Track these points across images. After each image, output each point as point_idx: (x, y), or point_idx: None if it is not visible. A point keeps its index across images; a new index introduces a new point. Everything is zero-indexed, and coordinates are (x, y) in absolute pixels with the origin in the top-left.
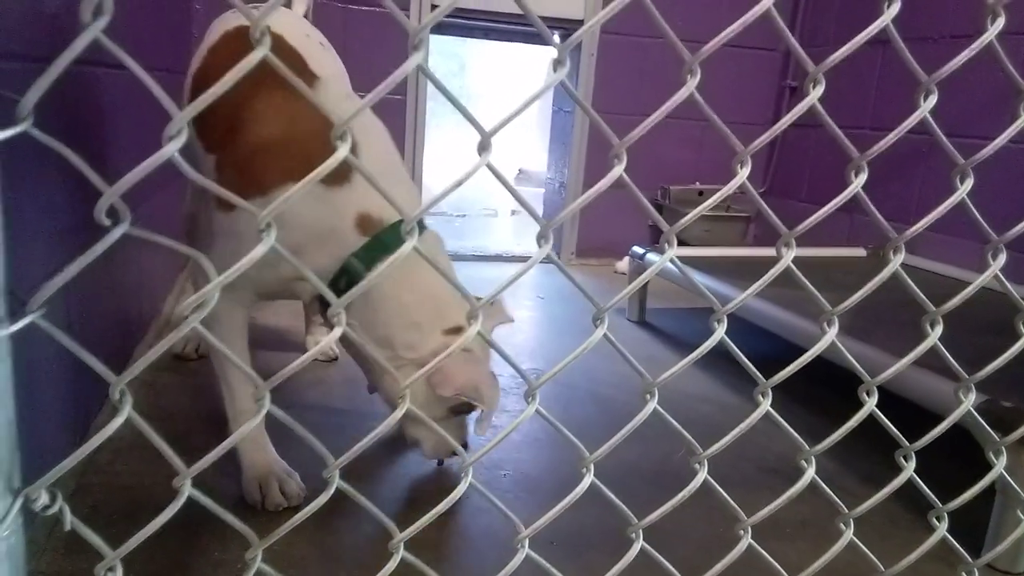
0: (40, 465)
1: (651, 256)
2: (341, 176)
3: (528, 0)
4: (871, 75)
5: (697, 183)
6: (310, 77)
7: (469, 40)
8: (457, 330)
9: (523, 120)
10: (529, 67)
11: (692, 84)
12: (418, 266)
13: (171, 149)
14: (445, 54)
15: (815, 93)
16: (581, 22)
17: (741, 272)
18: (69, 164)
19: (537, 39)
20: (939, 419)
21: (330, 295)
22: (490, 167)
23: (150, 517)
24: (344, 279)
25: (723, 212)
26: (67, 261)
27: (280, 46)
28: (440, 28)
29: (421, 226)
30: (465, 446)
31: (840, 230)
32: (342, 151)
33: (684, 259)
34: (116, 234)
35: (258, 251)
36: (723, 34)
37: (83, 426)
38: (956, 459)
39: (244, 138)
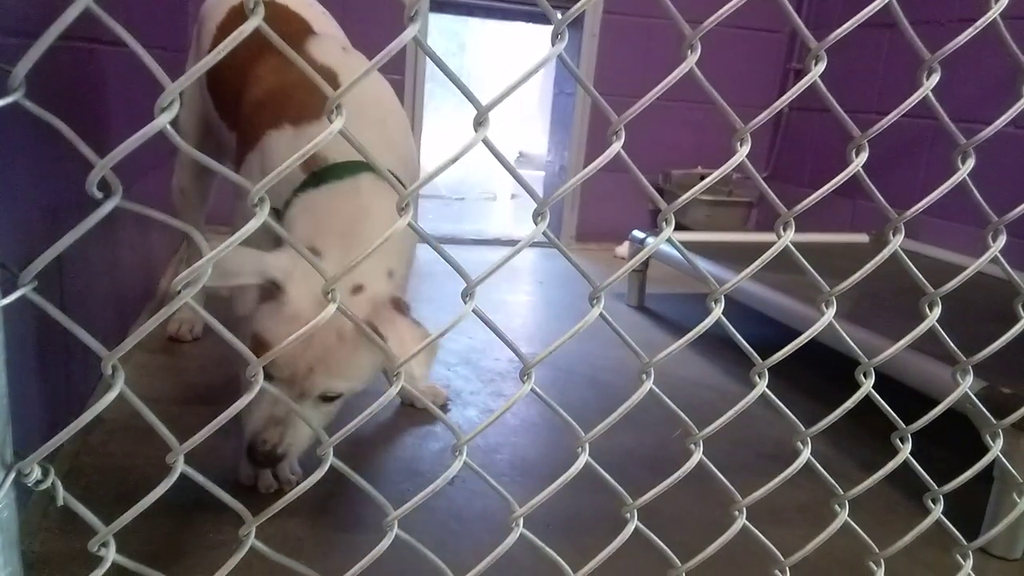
0: (33, 443)
1: (651, 240)
2: (310, 114)
3: None
4: (877, 58)
5: (699, 167)
6: (311, 34)
7: (470, 20)
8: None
9: (524, 103)
10: (530, 48)
11: (692, 59)
12: (332, 202)
13: (163, 120)
14: (445, 33)
15: (816, 70)
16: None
17: (742, 257)
18: (64, 141)
19: (538, 18)
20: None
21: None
22: (486, 143)
23: (143, 497)
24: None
25: (725, 197)
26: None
27: (284, 13)
28: (440, 6)
29: (359, 167)
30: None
31: (843, 216)
32: (327, 135)
33: (685, 243)
34: (108, 207)
35: (251, 225)
36: (725, 8)
37: (77, 406)
38: (955, 449)
39: (244, 102)
